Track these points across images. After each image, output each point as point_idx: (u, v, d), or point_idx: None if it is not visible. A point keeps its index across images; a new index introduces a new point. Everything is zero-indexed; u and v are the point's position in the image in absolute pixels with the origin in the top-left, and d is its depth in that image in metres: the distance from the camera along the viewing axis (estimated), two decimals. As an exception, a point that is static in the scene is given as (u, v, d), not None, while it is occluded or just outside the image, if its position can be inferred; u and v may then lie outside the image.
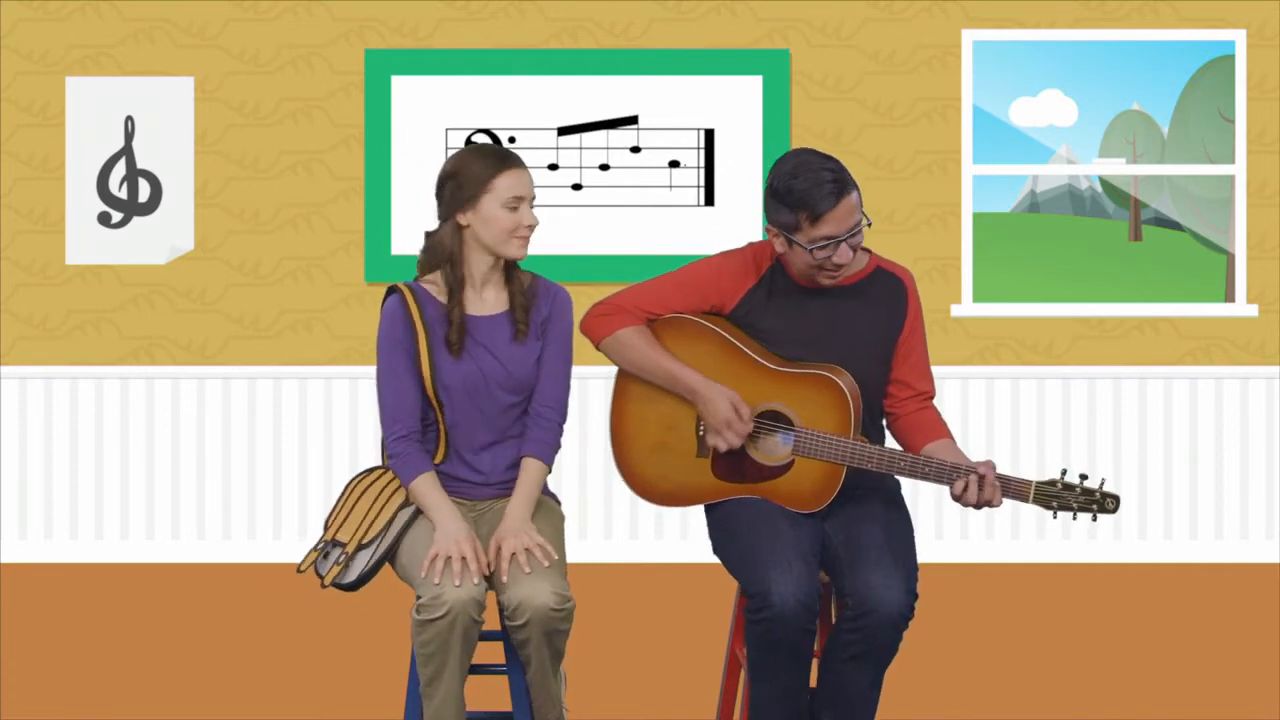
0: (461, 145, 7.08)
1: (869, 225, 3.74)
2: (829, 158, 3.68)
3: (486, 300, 3.88)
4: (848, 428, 3.68)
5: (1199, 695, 5.00)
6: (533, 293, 3.89)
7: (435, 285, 3.87)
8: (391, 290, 3.87)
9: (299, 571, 3.83)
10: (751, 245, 3.87)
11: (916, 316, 3.86)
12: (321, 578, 3.79)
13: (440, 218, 3.85)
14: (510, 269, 3.89)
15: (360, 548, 3.79)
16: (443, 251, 3.84)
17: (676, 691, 5.04)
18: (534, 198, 3.83)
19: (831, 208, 3.64)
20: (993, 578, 6.80)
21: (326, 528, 3.85)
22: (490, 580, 3.76)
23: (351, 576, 3.76)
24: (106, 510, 7.07)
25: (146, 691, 5.02)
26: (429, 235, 3.89)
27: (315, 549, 3.84)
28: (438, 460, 3.87)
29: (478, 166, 3.80)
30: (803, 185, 3.65)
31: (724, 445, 3.74)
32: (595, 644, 5.57)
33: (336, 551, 3.81)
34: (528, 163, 7.09)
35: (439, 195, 3.83)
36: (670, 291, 3.84)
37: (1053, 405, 7.10)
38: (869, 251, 3.88)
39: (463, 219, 3.81)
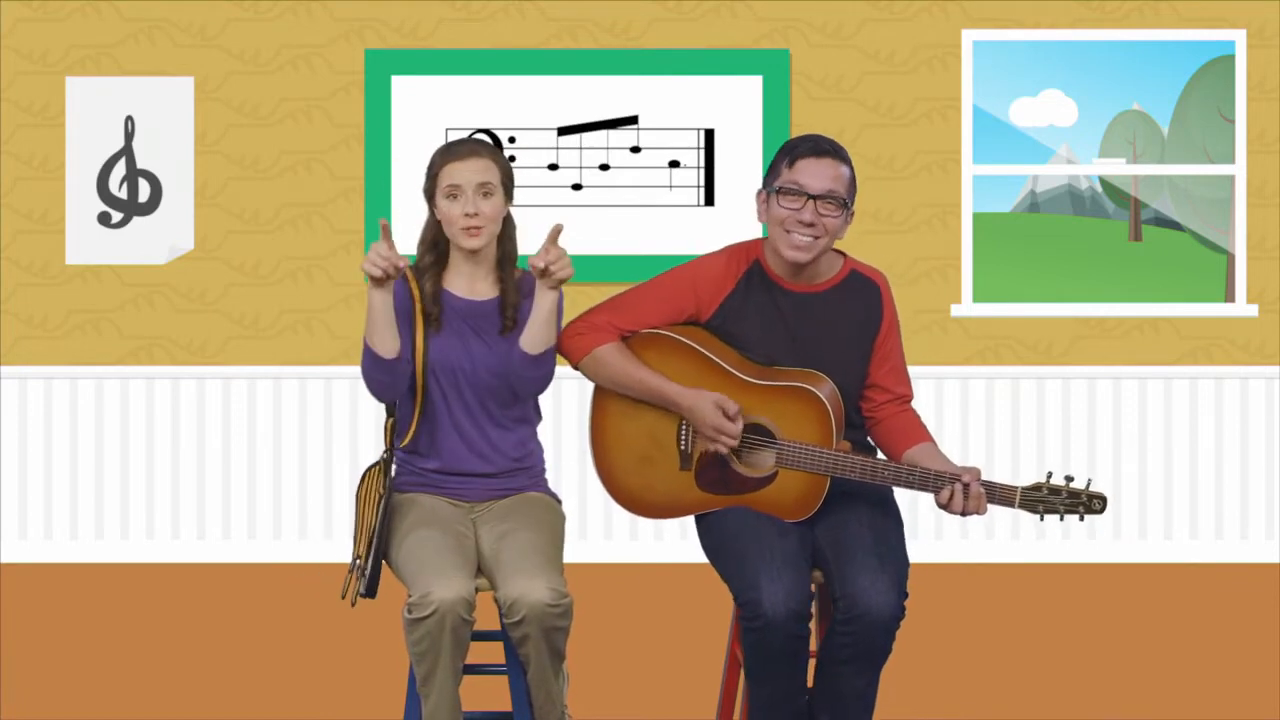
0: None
1: (849, 212, 3.75)
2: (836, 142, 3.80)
3: (478, 289, 3.91)
4: (829, 438, 3.67)
5: (1199, 695, 5.00)
6: (529, 285, 3.92)
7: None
8: None
9: (343, 598, 3.90)
10: (729, 248, 3.86)
11: (892, 319, 3.86)
12: (354, 595, 3.80)
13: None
14: (505, 263, 3.91)
15: (369, 555, 3.81)
16: (424, 239, 3.93)
17: (676, 691, 5.04)
18: (481, 185, 3.82)
19: (809, 154, 3.73)
20: (992, 578, 6.80)
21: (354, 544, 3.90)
22: (487, 578, 3.77)
23: (364, 586, 3.78)
24: (106, 510, 7.07)
25: (146, 691, 5.02)
26: None
27: (349, 572, 3.86)
28: (405, 443, 3.89)
29: (433, 161, 3.89)
30: (795, 138, 3.80)
31: (722, 449, 3.73)
32: (595, 644, 5.57)
33: (357, 566, 3.84)
34: (527, 163, 7.08)
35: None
36: (645, 305, 3.83)
37: (1053, 405, 7.10)
38: (843, 255, 3.88)
39: (436, 213, 3.86)
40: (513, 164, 7.04)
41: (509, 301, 3.88)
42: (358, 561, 3.82)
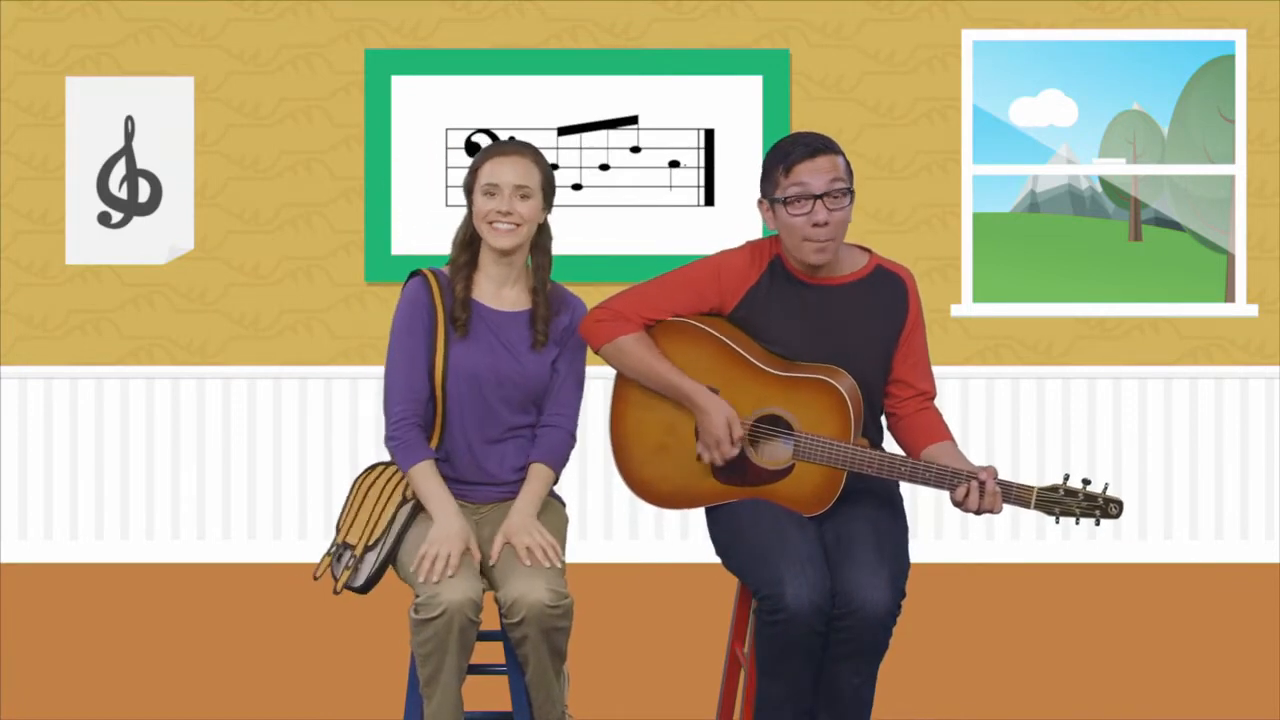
0: (461, 145, 7.09)
1: (850, 195, 3.74)
2: (820, 133, 3.81)
3: (505, 297, 3.88)
4: (847, 432, 3.68)
5: (1199, 695, 5.00)
6: (557, 299, 3.89)
7: None
8: (414, 273, 3.88)
9: (315, 578, 3.83)
10: (750, 243, 3.87)
11: (917, 316, 3.87)
12: (336, 581, 3.79)
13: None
14: (539, 273, 3.88)
15: (368, 549, 3.79)
16: (458, 237, 3.88)
17: (676, 691, 5.04)
18: (518, 188, 3.80)
19: (803, 158, 3.72)
20: (993, 578, 6.80)
21: (338, 530, 3.86)
22: (488, 579, 3.76)
23: (360, 580, 3.77)
24: (106, 510, 7.07)
25: (146, 691, 5.02)
26: None
27: (328, 553, 3.84)
28: (434, 448, 3.86)
29: (477, 157, 3.87)
30: (782, 144, 3.78)
31: (715, 461, 3.75)
32: (595, 644, 5.57)
33: (347, 554, 3.81)
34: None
35: None
36: (669, 294, 3.84)
37: (1053, 405, 7.10)
38: (869, 252, 3.89)
39: (472, 209, 3.85)
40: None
41: (539, 315, 3.85)
42: (351, 550, 3.80)
